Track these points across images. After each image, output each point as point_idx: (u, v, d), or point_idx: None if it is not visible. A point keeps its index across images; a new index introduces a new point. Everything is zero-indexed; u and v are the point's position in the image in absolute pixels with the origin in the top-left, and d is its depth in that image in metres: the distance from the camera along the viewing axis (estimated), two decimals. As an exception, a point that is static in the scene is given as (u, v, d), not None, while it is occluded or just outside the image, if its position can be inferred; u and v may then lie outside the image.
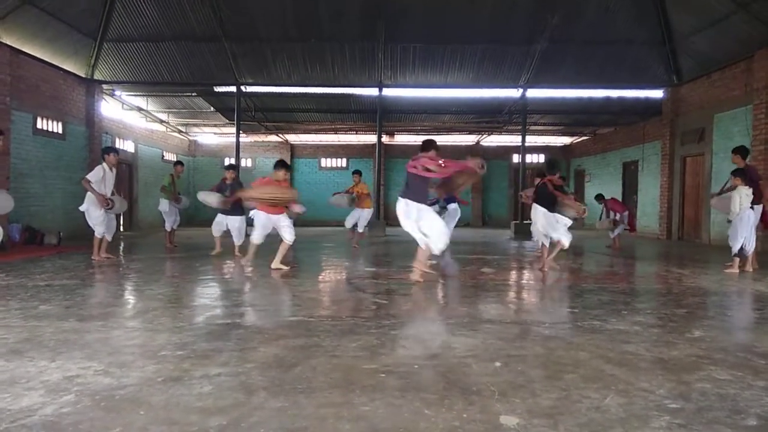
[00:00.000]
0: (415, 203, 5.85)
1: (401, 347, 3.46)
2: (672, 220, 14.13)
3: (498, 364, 3.10)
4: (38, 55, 11.79)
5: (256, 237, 7.34)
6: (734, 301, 5.46)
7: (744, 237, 7.36)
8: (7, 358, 3.11)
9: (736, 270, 7.34)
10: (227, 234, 9.13)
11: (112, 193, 8.24)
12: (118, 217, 9.42)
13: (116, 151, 8.53)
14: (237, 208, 8.78)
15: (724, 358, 3.26)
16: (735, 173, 7.54)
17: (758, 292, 5.87)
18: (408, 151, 22.35)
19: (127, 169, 16.32)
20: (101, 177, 7.99)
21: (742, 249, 7.41)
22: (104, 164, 8.15)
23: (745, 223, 7.36)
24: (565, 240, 7.23)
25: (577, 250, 10.29)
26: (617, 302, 5.16)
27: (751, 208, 7.45)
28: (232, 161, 15.14)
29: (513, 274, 7.54)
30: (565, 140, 22.35)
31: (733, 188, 7.54)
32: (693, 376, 2.90)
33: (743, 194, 7.39)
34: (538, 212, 7.36)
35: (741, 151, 8.12)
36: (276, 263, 7.21)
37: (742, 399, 2.57)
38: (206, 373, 2.86)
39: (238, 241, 8.99)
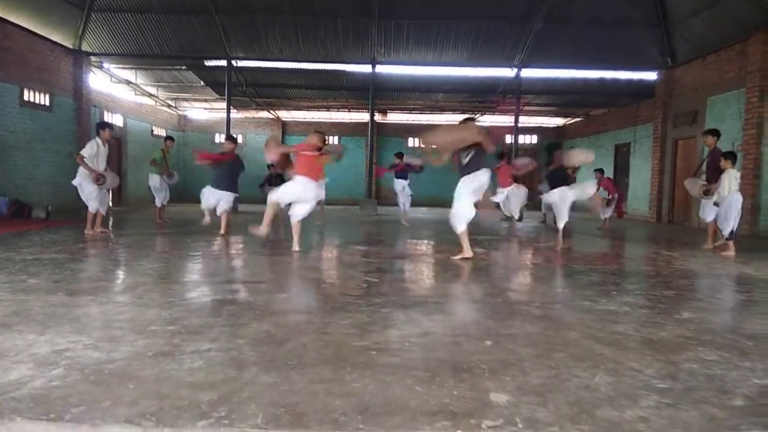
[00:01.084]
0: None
1: (392, 325, 3.46)
2: (662, 203, 14.20)
3: (488, 342, 3.11)
4: (25, 25, 11.52)
5: (303, 212, 6.71)
6: (722, 284, 5.51)
7: (735, 220, 7.43)
8: (-6, 331, 3.08)
9: (732, 252, 7.40)
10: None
11: (105, 169, 8.18)
12: (108, 191, 9.32)
13: (111, 126, 8.45)
14: (233, 184, 8.66)
15: (712, 339, 3.29)
16: (726, 156, 7.56)
17: (746, 275, 5.93)
18: (401, 129, 22.25)
19: (115, 144, 16.11)
20: (95, 152, 7.93)
21: (732, 231, 7.47)
22: (98, 139, 8.08)
23: (735, 206, 7.41)
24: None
25: (568, 231, 10.31)
26: (607, 283, 5.20)
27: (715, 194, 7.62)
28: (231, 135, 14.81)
29: (504, 254, 7.57)
30: (558, 121, 22.32)
31: (721, 171, 7.57)
32: (681, 356, 2.93)
33: (732, 177, 7.43)
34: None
35: (714, 133, 8.21)
36: (296, 245, 6.82)
37: (729, 379, 2.60)
38: (197, 348, 2.85)
39: (220, 212, 8.79)
